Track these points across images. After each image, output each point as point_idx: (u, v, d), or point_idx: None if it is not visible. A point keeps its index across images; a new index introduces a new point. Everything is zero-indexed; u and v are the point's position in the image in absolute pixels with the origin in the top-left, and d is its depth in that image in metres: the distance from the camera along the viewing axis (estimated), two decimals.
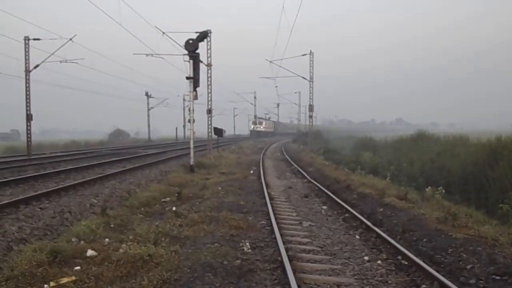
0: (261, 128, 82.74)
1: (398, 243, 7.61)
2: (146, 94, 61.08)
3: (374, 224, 9.06)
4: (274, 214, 10.04)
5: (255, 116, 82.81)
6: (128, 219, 9.20)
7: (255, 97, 76.34)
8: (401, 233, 8.51)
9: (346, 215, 10.49)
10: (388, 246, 7.57)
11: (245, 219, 9.56)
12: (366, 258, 7.05)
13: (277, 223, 9.14)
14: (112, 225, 8.48)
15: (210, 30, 25.18)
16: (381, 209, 10.71)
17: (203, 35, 20.90)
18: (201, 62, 20.69)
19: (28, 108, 27.39)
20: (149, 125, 62.66)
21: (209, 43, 26.55)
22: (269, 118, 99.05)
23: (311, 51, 36.59)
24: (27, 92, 27.33)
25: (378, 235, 8.23)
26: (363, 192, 13.28)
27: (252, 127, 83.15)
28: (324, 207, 11.89)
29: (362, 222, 9.39)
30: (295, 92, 78.75)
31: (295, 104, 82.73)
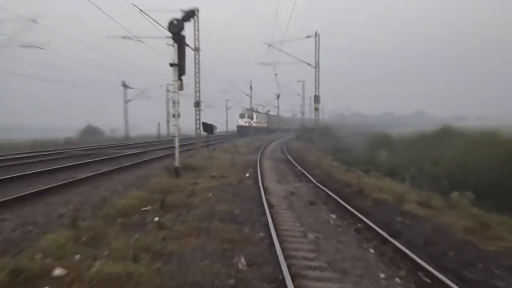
0: (251, 123, 76.78)
1: (419, 257, 7.64)
2: (123, 84, 61.03)
3: (391, 236, 9.09)
4: (274, 225, 10.07)
5: (244, 108, 79.72)
6: (103, 231, 9.18)
7: (251, 87, 75.03)
8: (423, 246, 8.55)
9: (359, 225, 10.52)
10: (408, 261, 7.60)
11: (240, 230, 9.57)
12: (382, 275, 7.08)
13: (278, 235, 9.16)
14: (84, 239, 8.47)
15: (197, 9, 25.17)
16: (400, 218, 10.75)
17: (190, 14, 20.85)
18: (188, 46, 20.66)
19: None
20: (126, 121, 62.68)
21: (196, 24, 26.59)
22: (268, 111, 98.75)
23: (316, 32, 36.67)
24: None
25: (396, 248, 8.26)
26: (379, 198, 13.31)
27: (238, 121, 78.44)
28: (333, 216, 11.92)
29: (377, 233, 9.41)
30: (298, 81, 79.28)
31: (298, 95, 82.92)
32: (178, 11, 20.24)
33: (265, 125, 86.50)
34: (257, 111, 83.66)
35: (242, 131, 74.52)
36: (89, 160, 24.08)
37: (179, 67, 18.73)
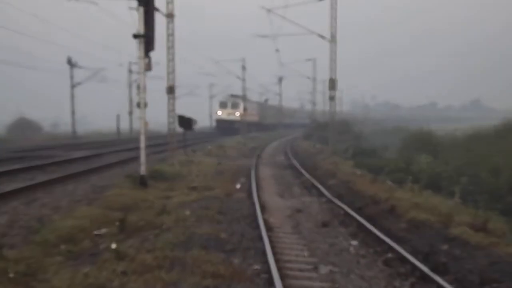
0: (236, 115, 72.04)
1: None
2: (69, 61, 60.69)
3: (434, 271, 9.03)
4: (274, 254, 9.99)
5: (227, 95, 76.20)
6: (40, 263, 9.09)
7: (244, 67, 74.00)
8: (478, 286, 8.50)
9: (389, 255, 10.46)
10: None
11: (228, 262, 9.50)
12: None
13: (279, 269, 9.08)
14: (11, 275, 8.38)
15: None
16: (446, 247, 10.70)
17: None
18: (157, 10, 20.60)
19: None
20: (73, 112, 62.41)
21: None
22: (267, 100, 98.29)
23: None
24: None
25: None
26: (417, 218, 13.28)
27: (218, 113, 74.94)
28: (354, 242, 11.87)
29: (414, 266, 9.36)
30: (308, 60, 78.77)
31: (308, 78, 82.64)
32: None
33: (256, 118, 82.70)
34: (245, 98, 77.28)
35: (223, 127, 71.78)
36: (21, 166, 23.96)
37: (146, 39, 18.67)
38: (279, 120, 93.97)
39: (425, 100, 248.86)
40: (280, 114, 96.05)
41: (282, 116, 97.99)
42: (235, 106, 72.77)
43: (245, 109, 72.43)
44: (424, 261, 9.74)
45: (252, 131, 72.76)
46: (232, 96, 75.54)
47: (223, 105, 74.35)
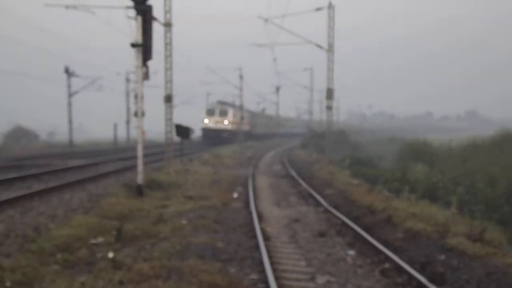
0: (225, 123, 66.90)
1: None
2: (66, 70, 60.83)
3: (431, 281, 9.03)
4: (271, 264, 9.99)
5: (214, 102, 71.32)
6: (36, 272, 9.07)
7: (241, 76, 74.38)
8: None
9: (386, 265, 10.45)
10: None
11: (225, 271, 9.48)
12: None
13: (276, 278, 9.08)
14: (8, 284, 8.36)
15: None
16: (443, 257, 10.69)
17: None
18: (155, 19, 20.64)
19: None
20: (70, 121, 62.49)
21: None
22: (264, 109, 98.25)
23: (330, 3, 36.75)
24: None
25: None
26: (413, 228, 13.26)
27: (205, 121, 67.22)
28: (351, 252, 11.87)
29: (411, 276, 9.35)
30: (305, 69, 78.98)
31: (306, 87, 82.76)
32: None
33: (247, 127, 78.11)
34: (234, 105, 74.29)
35: (210, 135, 66.21)
36: (17, 175, 23.92)
37: (144, 48, 18.71)
38: (271, 130, 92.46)
39: (421, 109, 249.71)
40: (273, 124, 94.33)
41: (277, 126, 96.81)
42: (223, 113, 67.30)
43: (235, 117, 69.08)
44: (421, 271, 9.74)
45: (240, 141, 68.03)
46: (220, 103, 70.72)
47: (210, 113, 67.63)
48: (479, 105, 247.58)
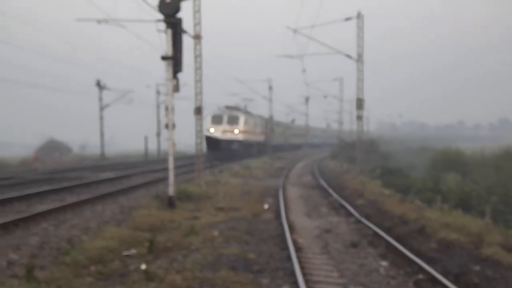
0: (235, 132, 56.23)
1: None
2: (98, 84, 61.38)
3: None
4: (304, 275, 9.94)
5: (221, 107, 58.99)
6: (70, 284, 9.14)
7: (270, 88, 73.69)
8: None
9: (420, 276, 10.34)
10: None
11: (257, 282, 9.47)
12: None
13: None
14: None
15: None
16: (477, 267, 10.56)
17: None
18: (185, 32, 20.75)
19: None
20: (102, 134, 62.96)
21: (197, 2, 26.71)
22: (294, 120, 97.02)
23: (359, 13, 36.62)
24: None
25: None
26: (447, 238, 13.15)
27: (211, 130, 55.21)
28: (384, 263, 11.77)
29: None
30: (334, 79, 78.58)
31: (335, 97, 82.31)
32: None
33: (261, 138, 68.30)
34: (247, 111, 64.02)
35: (216, 146, 53.45)
36: (51, 188, 24.14)
37: (174, 61, 18.82)
38: (290, 141, 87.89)
39: (452, 118, 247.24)
40: (291, 133, 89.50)
41: (294, 136, 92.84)
42: (233, 121, 56.18)
43: (246, 125, 58.46)
44: (456, 281, 9.62)
45: (249, 153, 59.00)
46: (229, 108, 58.84)
47: (216, 120, 56.05)
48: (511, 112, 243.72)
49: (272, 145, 69.87)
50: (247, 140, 58.66)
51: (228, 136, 54.78)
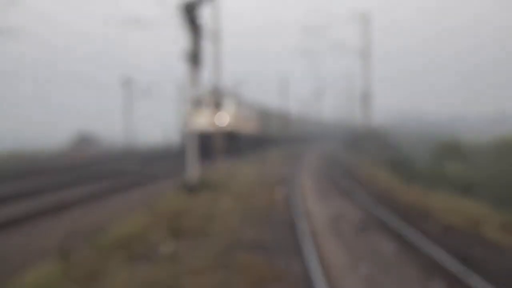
0: (221, 123, 38.26)
1: None
2: (124, 79, 61.57)
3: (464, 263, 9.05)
4: (318, 257, 9.99)
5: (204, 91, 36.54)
6: (100, 266, 9.22)
7: (283, 81, 72.70)
8: None
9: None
10: None
11: (272, 263, 9.54)
12: None
13: (322, 269, 9.08)
14: (76, 274, 8.51)
15: None
16: (478, 247, 10.68)
17: None
18: (204, 31, 20.79)
19: None
20: (129, 128, 63.34)
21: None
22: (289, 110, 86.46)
23: (364, 14, 36.49)
24: None
25: None
26: (450, 221, 13.34)
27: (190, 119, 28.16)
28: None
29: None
30: (345, 75, 78.15)
31: (346, 91, 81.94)
32: None
33: (254, 128, 54.26)
34: (236, 96, 50.19)
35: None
36: (80, 179, 24.38)
37: (195, 59, 18.95)
38: (274, 130, 67.35)
39: (453, 112, 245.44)
40: (275, 120, 68.61)
41: (297, 128, 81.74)
42: (218, 107, 37.04)
43: (236, 114, 45.45)
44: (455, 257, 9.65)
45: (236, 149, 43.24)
46: (214, 91, 36.39)
47: (198, 105, 30.89)
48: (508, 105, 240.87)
49: (267, 137, 59.98)
50: (235, 132, 44.01)
51: (211, 127, 35.29)
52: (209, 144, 33.49)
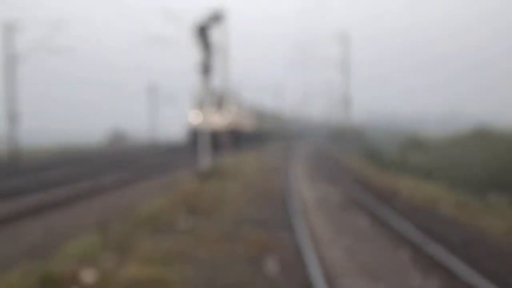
0: (223, 122, 38.57)
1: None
2: (150, 86, 62.03)
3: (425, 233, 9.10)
4: (308, 230, 10.08)
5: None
6: (129, 236, 9.30)
7: (277, 88, 72.12)
8: None
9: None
10: None
11: (271, 235, 9.62)
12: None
13: (311, 240, 9.15)
14: (112, 244, 8.58)
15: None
16: (436, 220, 10.76)
17: (217, 16, 21.03)
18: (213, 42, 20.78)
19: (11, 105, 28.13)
20: (153, 126, 63.64)
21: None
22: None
23: (345, 35, 36.45)
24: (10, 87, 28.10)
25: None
26: (414, 198, 13.39)
27: (193, 118, 37.42)
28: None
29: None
30: (327, 81, 77.48)
31: (329, 95, 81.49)
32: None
33: (252, 128, 52.10)
34: (236, 97, 47.28)
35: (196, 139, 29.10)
36: (113, 167, 24.49)
37: (206, 68, 19.06)
38: (270, 129, 65.22)
39: (420, 111, 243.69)
40: (270, 121, 66.26)
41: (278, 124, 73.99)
42: (220, 107, 38.07)
43: (236, 113, 43.64)
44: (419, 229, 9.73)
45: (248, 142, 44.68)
46: (217, 93, 35.34)
47: (199, 107, 33.98)
48: (459, 104, 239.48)
49: (263, 134, 57.23)
50: (231, 129, 40.53)
51: (214, 126, 32.37)
52: (216, 140, 32.54)
